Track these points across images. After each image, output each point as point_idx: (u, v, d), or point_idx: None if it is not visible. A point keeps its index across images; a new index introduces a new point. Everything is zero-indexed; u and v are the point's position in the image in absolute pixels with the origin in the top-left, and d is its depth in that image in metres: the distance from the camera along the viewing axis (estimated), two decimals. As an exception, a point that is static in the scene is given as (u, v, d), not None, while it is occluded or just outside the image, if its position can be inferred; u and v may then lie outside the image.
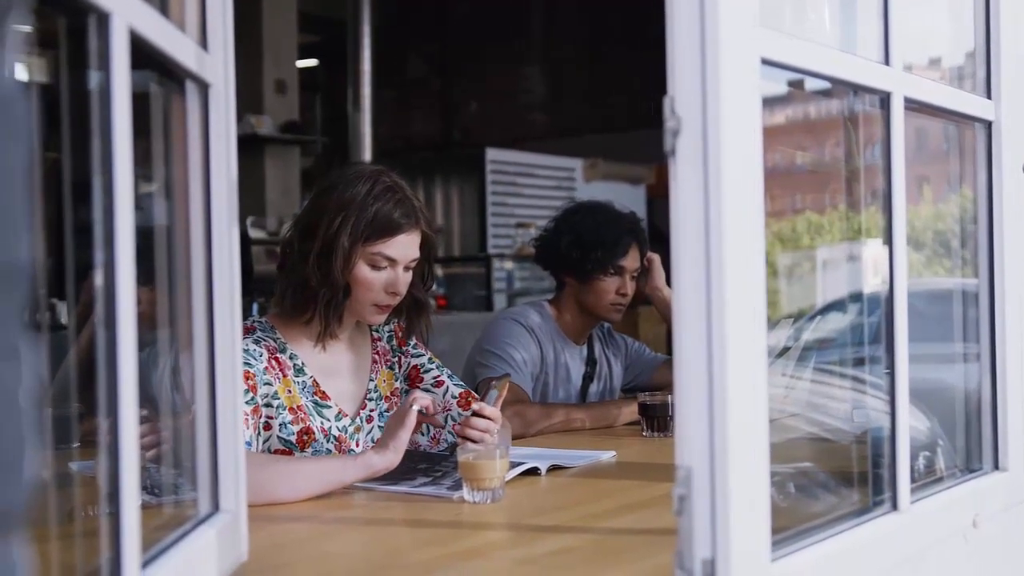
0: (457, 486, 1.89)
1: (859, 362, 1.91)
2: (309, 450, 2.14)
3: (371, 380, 2.31)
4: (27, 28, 0.61)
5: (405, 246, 2.16)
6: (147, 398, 1.23)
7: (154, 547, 1.16)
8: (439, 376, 2.37)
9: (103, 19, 0.98)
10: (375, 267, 2.15)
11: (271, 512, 1.78)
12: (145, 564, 1.08)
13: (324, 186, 2.21)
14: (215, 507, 1.36)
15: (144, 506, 1.07)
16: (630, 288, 2.98)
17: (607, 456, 2.32)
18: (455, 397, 2.33)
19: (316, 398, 2.19)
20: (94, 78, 1.00)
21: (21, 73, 0.58)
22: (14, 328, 0.56)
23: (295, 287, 2.16)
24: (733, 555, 1.14)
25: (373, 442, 2.23)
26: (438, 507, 1.82)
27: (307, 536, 1.71)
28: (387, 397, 2.33)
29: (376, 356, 2.34)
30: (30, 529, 0.58)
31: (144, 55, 1.10)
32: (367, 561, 1.56)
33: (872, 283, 1.88)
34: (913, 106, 1.56)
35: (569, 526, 1.70)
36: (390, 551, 1.59)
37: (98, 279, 1.00)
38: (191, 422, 1.38)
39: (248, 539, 1.42)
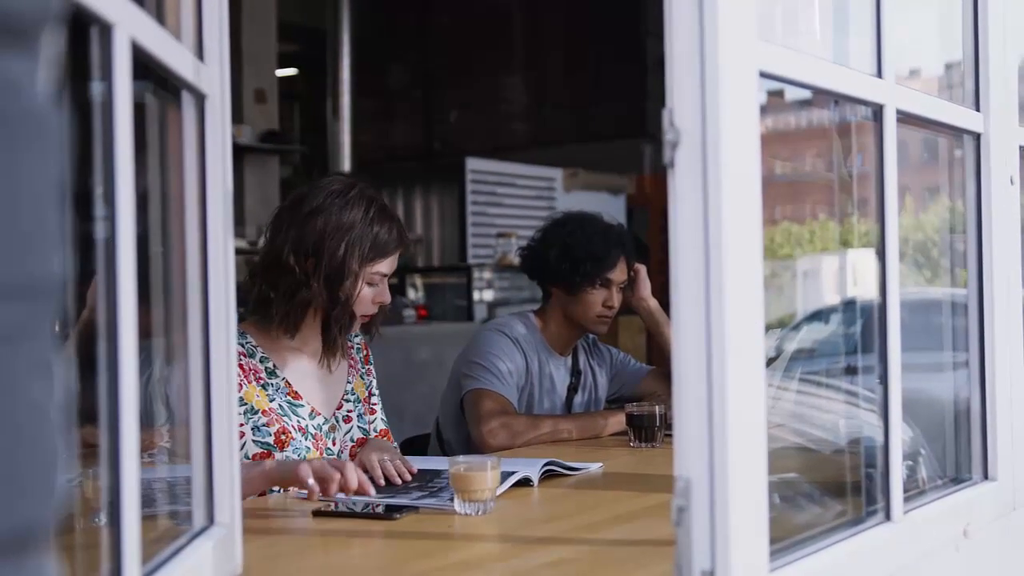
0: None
1: (843, 372, 1.92)
2: (289, 449, 2.19)
3: (348, 383, 2.38)
4: (56, 40, 0.60)
5: (395, 261, 2.30)
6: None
7: (151, 560, 1.15)
8: (375, 405, 2.48)
9: (105, 30, 0.97)
10: (370, 284, 2.26)
11: (265, 525, 1.78)
12: (143, 578, 1.07)
13: (312, 207, 2.22)
14: (210, 520, 1.35)
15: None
16: (616, 300, 2.98)
17: (595, 467, 2.31)
18: (376, 431, 2.41)
19: (289, 398, 2.24)
20: (95, 88, 0.99)
21: (52, 85, 0.58)
22: (47, 343, 0.56)
23: (298, 307, 2.21)
24: (733, 566, 1.14)
25: (353, 441, 2.34)
26: (430, 519, 1.82)
27: (300, 549, 1.70)
28: (363, 401, 2.41)
29: (351, 362, 2.42)
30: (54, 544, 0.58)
31: (141, 65, 1.10)
32: (360, 573, 1.55)
33: (854, 293, 1.89)
34: (904, 118, 1.57)
35: (563, 537, 1.69)
36: (384, 563, 1.58)
37: (98, 290, 0.99)
38: (184, 433, 1.38)
39: (242, 552, 1.41)
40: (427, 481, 2.09)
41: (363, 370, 2.45)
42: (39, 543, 0.55)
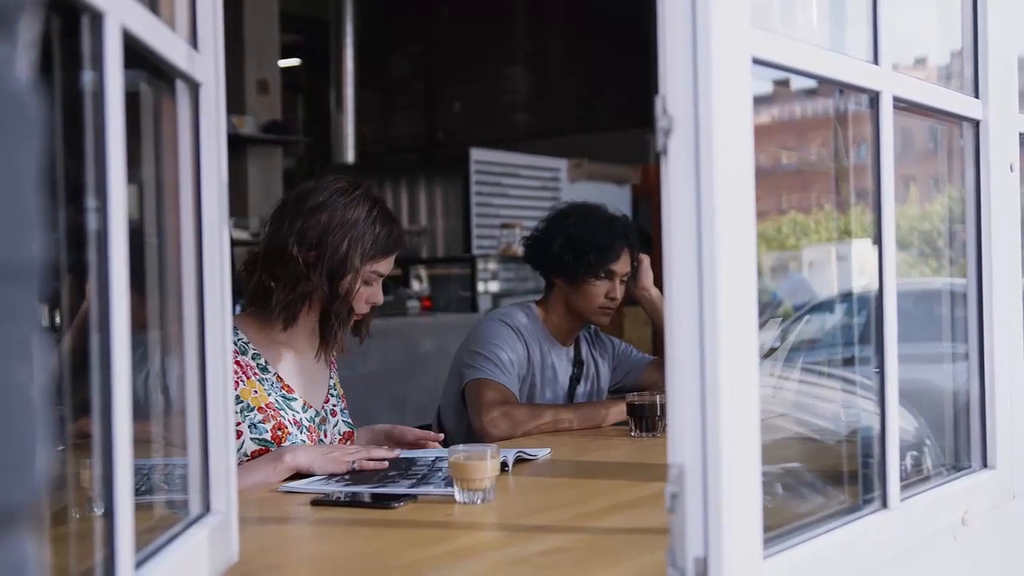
0: (451, 483, 1.89)
1: (846, 362, 1.92)
2: (286, 443, 2.21)
3: (331, 378, 2.43)
4: (35, 25, 0.60)
5: (392, 262, 2.34)
6: (134, 400, 1.23)
7: (146, 548, 1.16)
8: (339, 407, 2.46)
9: (96, 18, 0.97)
10: (367, 283, 2.29)
11: (261, 513, 1.78)
12: (137, 565, 1.08)
13: (317, 202, 2.25)
14: (206, 508, 1.36)
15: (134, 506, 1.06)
16: (619, 292, 2.98)
17: (543, 453, 2.32)
18: (340, 434, 2.41)
19: (283, 392, 2.27)
20: (86, 77, 0.99)
21: (31, 71, 0.58)
22: (26, 324, 0.56)
23: (297, 299, 2.24)
24: (726, 553, 1.14)
25: (340, 434, 2.39)
26: (428, 507, 1.82)
27: (297, 537, 1.71)
28: (342, 396, 2.46)
29: (332, 359, 2.45)
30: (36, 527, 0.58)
31: (135, 54, 1.10)
32: (357, 562, 1.56)
33: (858, 283, 1.89)
34: (902, 105, 1.57)
35: (560, 526, 1.70)
36: (380, 551, 1.58)
37: (91, 281, 0.99)
38: (180, 424, 1.38)
39: (239, 540, 1.42)
40: (406, 469, 2.10)
41: (336, 370, 2.50)
42: (18, 524, 0.55)
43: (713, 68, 1.14)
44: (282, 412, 2.23)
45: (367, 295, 2.30)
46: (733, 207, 1.17)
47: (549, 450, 2.37)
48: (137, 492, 1.15)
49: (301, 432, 2.25)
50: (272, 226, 2.29)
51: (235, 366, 2.19)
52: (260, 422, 2.20)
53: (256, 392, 2.22)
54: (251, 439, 2.19)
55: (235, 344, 2.24)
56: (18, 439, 0.55)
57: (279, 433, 2.21)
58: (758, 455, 1.20)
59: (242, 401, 2.19)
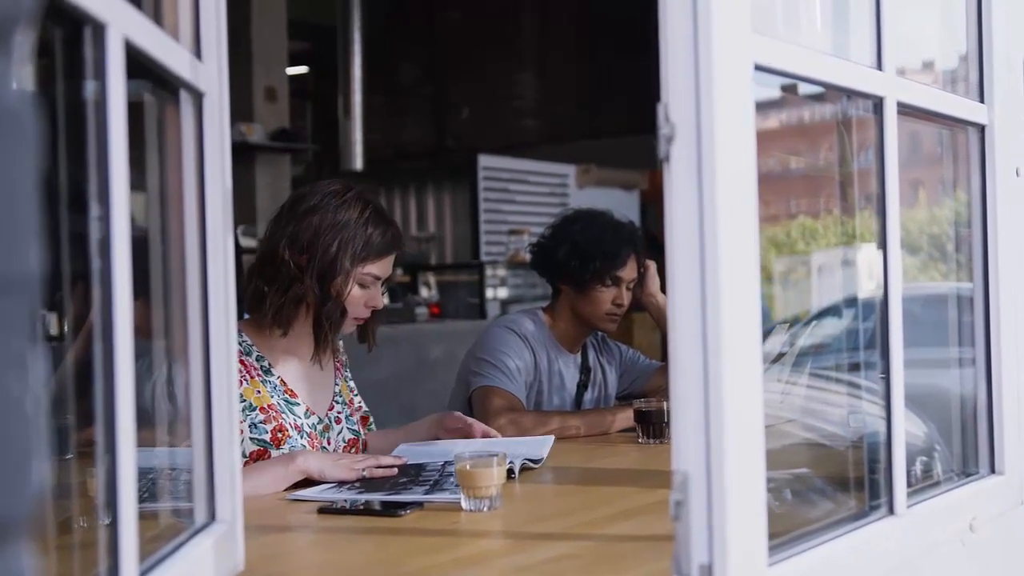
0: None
1: (855, 367, 1.91)
2: (285, 447, 2.21)
3: (336, 385, 2.42)
4: (30, 38, 0.61)
5: (390, 265, 2.33)
6: (141, 409, 1.24)
7: (151, 557, 1.16)
8: (345, 414, 2.45)
9: (99, 30, 0.98)
10: (362, 286, 2.28)
11: (267, 522, 1.78)
12: (142, 574, 1.08)
13: (309, 205, 2.27)
14: (211, 517, 1.36)
15: (139, 515, 1.06)
16: (626, 298, 2.98)
17: (548, 442, 2.36)
18: (344, 441, 2.40)
19: (286, 396, 2.28)
20: (89, 88, 1.00)
21: (27, 83, 0.58)
22: (22, 337, 0.56)
23: (290, 302, 2.24)
24: (730, 560, 1.14)
25: (344, 442, 2.38)
26: (435, 515, 1.82)
27: (303, 545, 1.71)
28: (348, 403, 2.45)
29: (338, 365, 2.46)
30: (33, 538, 0.58)
31: (138, 64, 1.10)
32: (363, 570, 1.56)
33: (867, 288, 1.89)
34: (906, 110, 1.56)
35: (567, 533, 1.69)
36: (387, 559, 1.58)
37: (95, 290, 1.00)
38: (186, 433, 1.38)
39: (244, 549, 1.42)
40: (416, 476, 2.09)
41: (346, 374, 2.50)
42: (15, 535, 0.55)
43: (715, 75, 1.14)
44: (283, 415, 2.24)
45: (365, 298, 2.29)
46: (735, 213, 1.16)
47: (552, 437, 2.40)
48: (141, 499, 1.15)
49: (301, 437, 2.25)
50: (268, 231, 2.31)
51: (239, 365, 2.20)
52: (261, 422, 2.20)
53: (259, 392, 2.23)
54: (251, 439, 2.19)
55: (240, 345, 2.24)
56: (14, 451, 0.55)
57: (279, 435, 2.21)
58: (762, 462, 1.20)
59: (244, 400, 2.19)
